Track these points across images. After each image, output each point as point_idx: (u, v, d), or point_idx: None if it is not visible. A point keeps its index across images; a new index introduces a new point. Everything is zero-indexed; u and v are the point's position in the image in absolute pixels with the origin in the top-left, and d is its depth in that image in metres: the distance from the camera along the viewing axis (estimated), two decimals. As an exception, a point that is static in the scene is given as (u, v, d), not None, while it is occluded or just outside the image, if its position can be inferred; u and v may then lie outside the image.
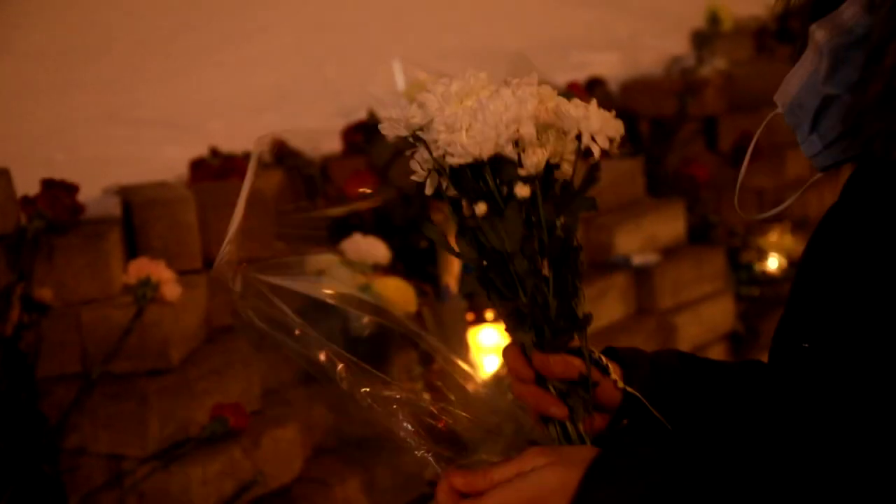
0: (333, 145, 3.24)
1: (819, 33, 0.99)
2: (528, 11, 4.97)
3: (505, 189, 0.95)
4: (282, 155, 3.14)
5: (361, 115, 3.28)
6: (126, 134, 3.55)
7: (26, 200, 2.27)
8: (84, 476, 2.20)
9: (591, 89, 3.94)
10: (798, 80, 1.02)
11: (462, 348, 2.77)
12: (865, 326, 0.91)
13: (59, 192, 2.33)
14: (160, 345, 2.22)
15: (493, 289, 0.98)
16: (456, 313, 2.80)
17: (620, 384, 1.07)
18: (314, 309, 1.33)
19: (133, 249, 2.46)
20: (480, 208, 0.95)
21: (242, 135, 3.43)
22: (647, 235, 3.32)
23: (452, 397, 1.22)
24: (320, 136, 3.15)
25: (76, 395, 2.13)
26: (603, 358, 1.07)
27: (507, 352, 1.04)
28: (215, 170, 2.94)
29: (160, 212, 2.47)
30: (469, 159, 0.95)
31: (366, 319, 2.02)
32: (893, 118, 0.91)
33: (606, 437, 1.06)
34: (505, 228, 0.95)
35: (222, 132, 3.60)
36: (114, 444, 2.18)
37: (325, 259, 2.11)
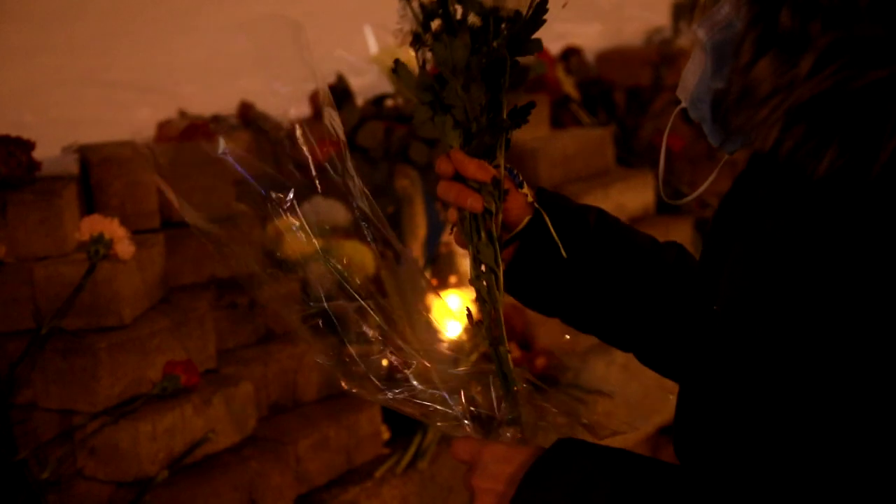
0: (303, 110, 3.23)
1: (700, 31, 1.04)
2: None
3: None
4: (249, 118, 3.14)
5: (331, 79, 3.27)
6: (98, 96, 3.55)
7: (-21, 156, 2.27)
8: (34, 430, 2.20)
9: (567, 58, 3.93)
10: (693, 77, 1.08)
11: (422, 313, 2.77)
12: (758, 291, 0.98)
13: (14, 148, 2.33)
14: (112, 302, 2.22)
15: (437, 101, 1.17)
16: (415, 276, 2.79)
17: (531, 198, 1.24)
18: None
19: (91, 208, 2.46)
20: (435, 23, 1.15)
21: (215, 99, 3.43)
22: (614, 205, 3.32)
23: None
24: (288, 101, 3.14)
25: (25, 349, 2.13)
26: (520, 175, 1.24)
27: (439, 158, 1.22)
28: (180, 131, 2.94)
29: (117, 170, 2.47)
30: None
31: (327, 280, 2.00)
32: (749, 114, 0.96)
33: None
34: (455, 47, 1.14)
35: (195, 96, 3.59)
36: (64, 400, 2.19)
37: (283, 223, 2.10)
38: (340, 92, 3.21)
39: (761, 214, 0.99)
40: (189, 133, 2.94)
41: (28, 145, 2.35)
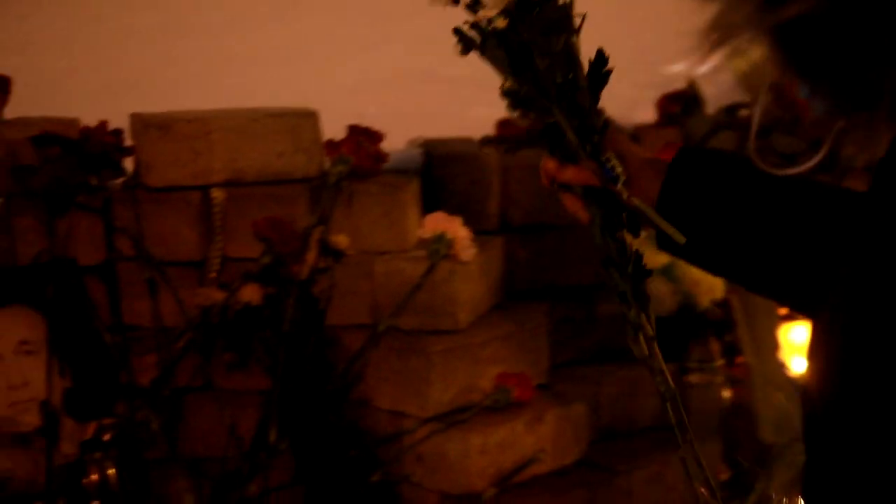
0: (647, 115, 3.06)
1: None
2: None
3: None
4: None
5: (679, 85, 3.07)
6: (437, 91, 3.52)
7: (331, 144, 2.24)
8: (365, 429, 2.14)
9: None
10: None
11: (769, 345, 2.52)
12: None
13: (363, 138, 2.28)
14: (449, 304, 2.12)
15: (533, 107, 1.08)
16: (766, 305, 2.54)
17: (625, 195, 1.09)
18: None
19: (432, 205, 2.38)
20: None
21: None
22: None
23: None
24: (633, 104, 2.97)
25: (362, 345, 2.07)
26: (617, 167, 1.10)
27: (542, 162, 1.13)
28: (522, 131, 2.83)
29: (461, 167, 2.38)
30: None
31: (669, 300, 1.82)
32: None
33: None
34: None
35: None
36: (396, 401, 2.11)
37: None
38: (690, 99, 3.00)
39: None
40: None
41: (376, 136, 2.30)
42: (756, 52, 1.05)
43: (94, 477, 1.78)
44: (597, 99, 1.09)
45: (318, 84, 3.41)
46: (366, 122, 2.46)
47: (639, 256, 1.12)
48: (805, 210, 1.11)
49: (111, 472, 1.79)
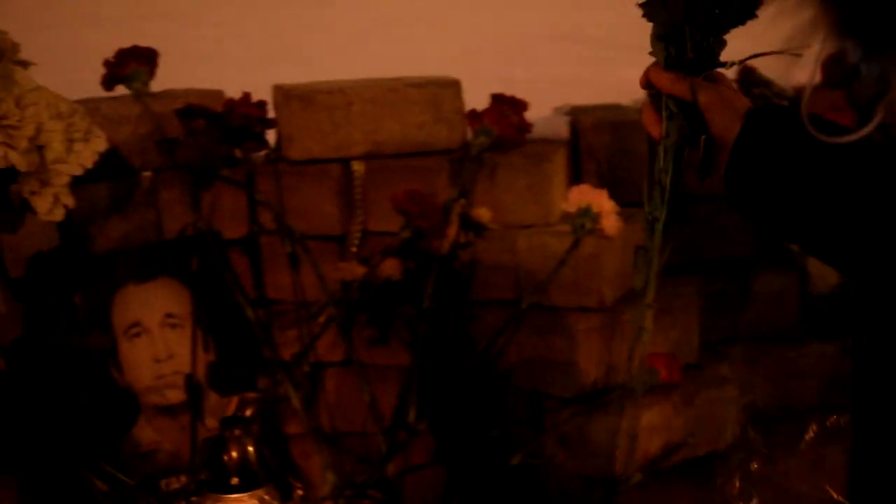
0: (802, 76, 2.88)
1: None
2: None
3: None
4: (751, 82, 2.84)
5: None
6: (581, 54, 3.41)
7: (473, 115, 2.18)
8: (506, 409, 2.09)
9: None
10: None
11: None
12: None
13: (507, 107, 2.21)
14: (594, 281, 2.04)
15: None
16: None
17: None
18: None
19: (577, 175, 2.30)
20: None
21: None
22: None
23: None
24: (794, 66, 2.81)
25: (505, 322, 2.02)
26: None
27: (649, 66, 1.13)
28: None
29: (609, 137, 2.28)
30: None
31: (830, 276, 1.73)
32: None
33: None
34: None
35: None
36: (538, 381, 2.05)
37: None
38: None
39: None
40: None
41: (521, 105, 2.22)
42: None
43: (235, 454, 1.78)
44: (733, 25, 1.09)
45: (463, 48, 3.34)
46: (514, 86, 2.38)
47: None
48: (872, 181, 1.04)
49: (250, 448, 1.79)
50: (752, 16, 1.08)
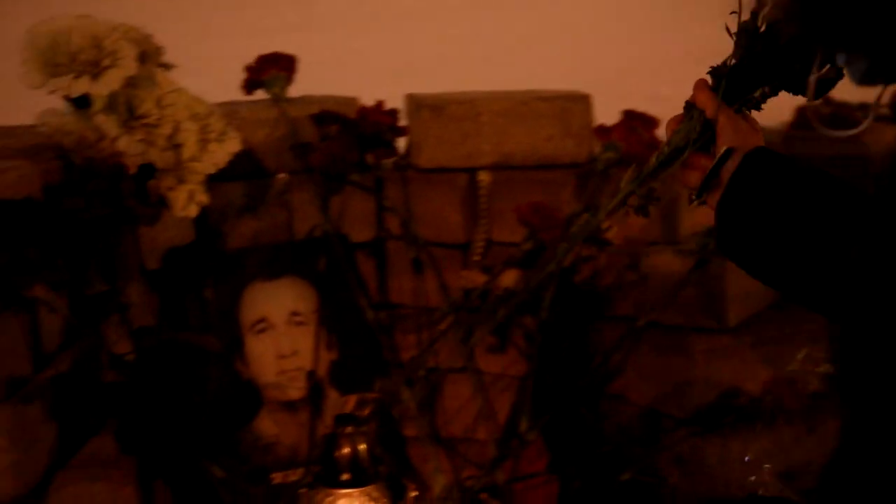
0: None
1: None
2: None
3: None
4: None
5: None
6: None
7: (602, 129, 2.18)
8: (619, 425, 2.08)
9: None
10: None
11: None
12: None
13: (637, 123, 2.20)
14: (718, 301, 2.01)
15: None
16: None
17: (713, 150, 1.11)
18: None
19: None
20: None
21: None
22: None
23: None
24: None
25: (620, 338, 2.00)
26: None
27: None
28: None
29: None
30: None
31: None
32: None
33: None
34: None
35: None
36: (653, 399, 2.03)
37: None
38: None
39: None
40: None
41: (651, 122, 2.21)
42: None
43: (346, 451, 1.82)
44: (801, 75, 1.07)
45: (612, 65, 3.34)
46: (656, 104, 2.37)
47: None
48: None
49: (362, 446, 1.83)
50: (801, 92, 1.09)
